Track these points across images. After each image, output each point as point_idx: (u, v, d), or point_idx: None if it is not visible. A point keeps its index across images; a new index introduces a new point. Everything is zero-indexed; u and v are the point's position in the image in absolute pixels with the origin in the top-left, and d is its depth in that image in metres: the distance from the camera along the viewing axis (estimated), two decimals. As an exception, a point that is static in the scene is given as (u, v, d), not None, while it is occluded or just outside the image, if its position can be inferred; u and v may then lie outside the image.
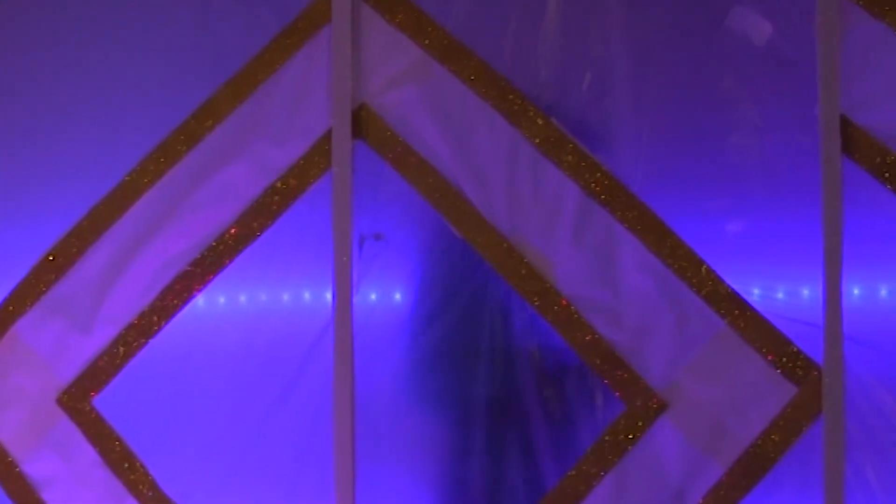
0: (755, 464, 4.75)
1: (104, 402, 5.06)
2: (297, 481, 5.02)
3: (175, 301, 4.99)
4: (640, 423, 4.79)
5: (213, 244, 4.95)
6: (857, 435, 4.76)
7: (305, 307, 5.04)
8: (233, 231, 4.95)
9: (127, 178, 5.02)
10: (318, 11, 4.93)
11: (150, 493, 5.00)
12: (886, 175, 4.74)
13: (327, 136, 4.92)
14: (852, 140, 4.73)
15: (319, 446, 4.94)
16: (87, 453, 5.03)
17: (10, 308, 5.08)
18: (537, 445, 5.03)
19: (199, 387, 5.09)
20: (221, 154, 4.98)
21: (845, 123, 4.72)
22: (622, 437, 4.80)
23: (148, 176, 5.00)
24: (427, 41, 4.90)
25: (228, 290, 5.07)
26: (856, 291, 4.87)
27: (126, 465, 5.01)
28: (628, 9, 4.95)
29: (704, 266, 4.77)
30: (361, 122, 4.92)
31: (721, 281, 4.77)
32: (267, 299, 5.09)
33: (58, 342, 5.07)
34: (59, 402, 5.02)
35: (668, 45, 4.93)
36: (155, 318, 5.00)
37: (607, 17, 4.94)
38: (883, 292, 4.89)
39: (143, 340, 5.02)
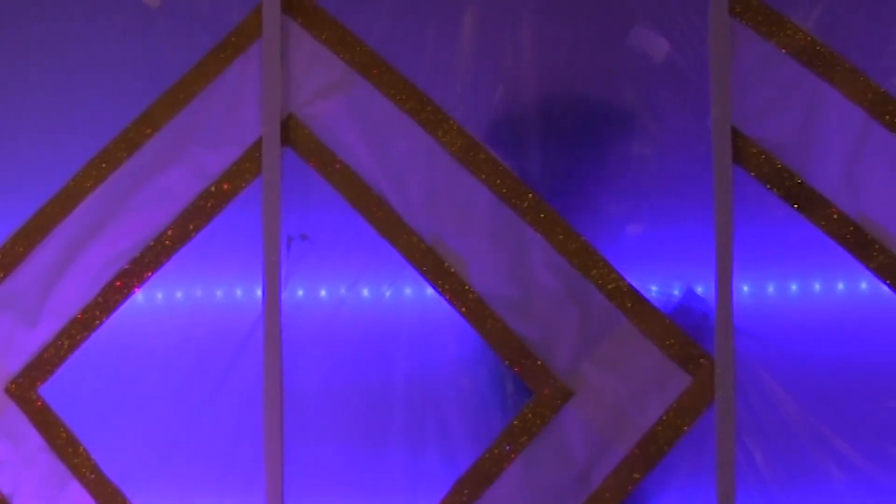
0: (653, 447, 4.79)
1: (50, 391, 5.01)
2: (230, 464, 4.96)
3: (116, 297, 4.97)
4: (547, 410, 4.82)
5: (152, 244, 4.94)
6: (746, 420, 4.80)
7: (237, 303, 5.01)
8: (170, 232, 4.95)
9: (71, 182, 4.99)
10: (249, 27, 4.94)
11: (92, 476, 4.97)
12: (773, 181, 4.81)
13: (258, 144, 4.93)
14: (742, 150, 4.80)
15: (251, 431, 4.92)
16: (34, 439, 4.99)
17: (-39, 304, 5.17)
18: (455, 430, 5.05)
19: (139, 377, 5.02)
20: (159, 160, 4.97)
21: (736, 134, 4.79)
22: (531, 422, 4.82)
23: (91, 180, 4.98)
24: (351, 56, 4.92)
25: (166, 286, 5.02)
26: (745, 288, 4.88)
27: (70, 450, 4.98)
28: (537, 26, 4.92)
29: (607, 265, 4.82)
30: (290, 131, 4.92)
31: (622, 279, 4.82)
32: (202, 295, 5.04)
33: (6, 335, 5.03)
34: (8, 391, 4.98)
35: (574, 60, 4.91)
36: (97, 313, 4.98)
37: (518, 34, 4.92)
38: (770, 289, 4.90)
39: (87, 333, 4.99)
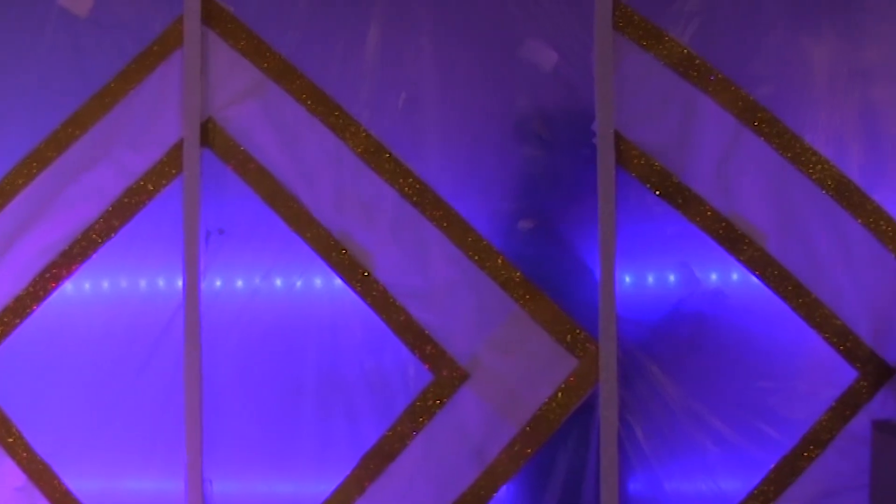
0: (543, 424, 4.85)
1: (-17, 376, 5.07)
2: (153, 442, 4.95)
3: (46, 287, 4.94)
4: (446, 391, 4.88)
5: (80, 238, 4.93)
6: (628, 399, 4.87)
7: (159, 292, 4.98)
8: (96, 226, 4.93)
9: (3, 180, 4.96)
10: (171, 37, 4.94)
11: (25, 455, 4.94)
12: (653, 181, 4.88)
13: (179, 145, 4.93)
14: (624, 152, 4.87)
15: (173, 410, 4.91)
16: (-30, 421, 5.05)
17: None
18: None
19: (68, 362, 4.98)
20: (87, 159, 4.95)
21: (619, 138, 4.86)
22: (431, 402, 4.88)
23: (22, 178, 4.95)
24: (265, 64, 4.92)
25: (93, 277, 4.98)
26: (627, 279, 4.93)
27: (4, 431, 4.94)
28: (437, 38, 4.93)
29: (500, 257, 4.87)
30: (208, 133, 4.93)
31: (514, 269, 4.87)
32: (126, 285, 5.00)
33: (-57, 323, 5.07)
34: (-55, 375, 5.00)
35: (471, 70, 4.93)
36: (28, 302, 4.95)
37: (419, 46, 4.93)
38: (650, 279, 4.94)
39: (18, 321, 4.96)
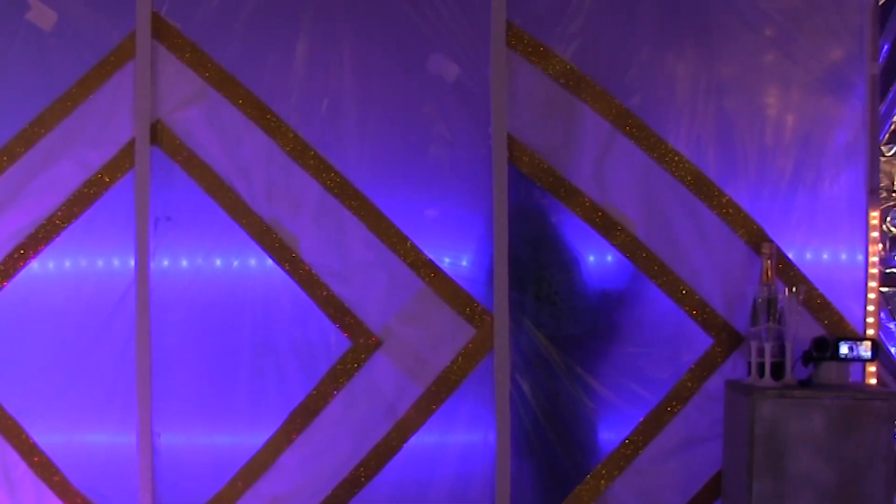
0: (445, 384, 4.95)
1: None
2: (109, 400, 4.95)
3: (15, 265, 4.95)
4: (362, 356, 4.94)
5: (45, 223, 4.93)
6: (518, 362, 4.97)
7: (114, 270, 4.95)
8: (59, 213, 4.93)
9: None
10: (125, 49, 4.93)
11: None
12: (540, 177, 4.97)
13: (132, 143, 4.93)
14: (516, 152, 4.96)
15: (126, 373, 4.94)
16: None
17: None
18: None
19: (35, 330, 4.97)
20: (51, 155, 4.95)
21: (511, 140, 4.95)
22: (349, 366, 4.95)
23: None
24: (207, 74, 4.94)
25: (56, 257, 4.95)
26: None
27: None
28: (356, 53, 4.96)
29: (409, 242, 4.94)
30: (157, 133, 4.93)
31: (421, 252, 4.94)
32: (85, 264, 4.96)
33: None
34: (-76, 343, 4.89)
35: (385, 80, 4.97)
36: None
37: (341, 60, 4.96)
38: (539, 258, 4.99)
39: None
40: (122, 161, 4.96)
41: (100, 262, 5.00)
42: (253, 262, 5.00)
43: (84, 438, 4.98)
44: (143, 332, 4.92)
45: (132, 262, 4.95)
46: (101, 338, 4.97)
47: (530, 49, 4.95)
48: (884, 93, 5.27)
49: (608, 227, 4.96)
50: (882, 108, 5.24)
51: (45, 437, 4.97)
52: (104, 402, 4.98)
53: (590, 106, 4.95)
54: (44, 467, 4.95)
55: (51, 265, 4.99)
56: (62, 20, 4.97)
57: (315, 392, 4.95)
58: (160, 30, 4.95)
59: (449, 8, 4.97)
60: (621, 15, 4.99)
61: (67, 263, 5.00)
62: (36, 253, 4.96)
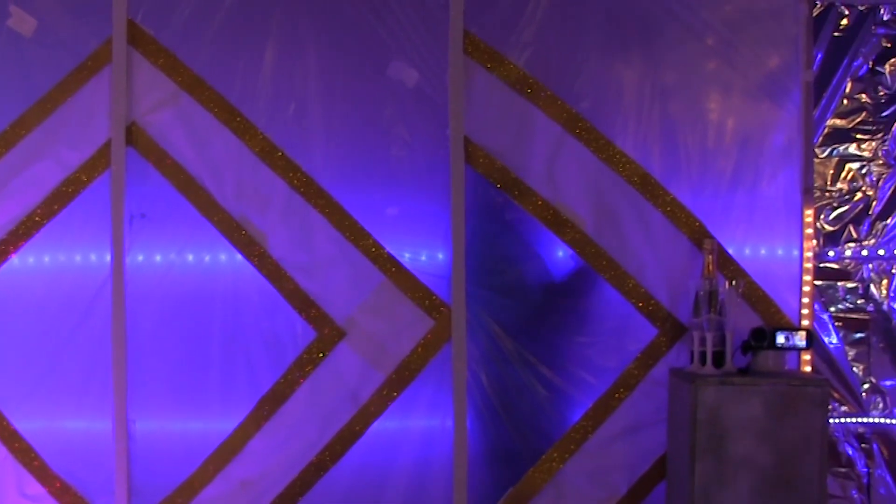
0: (406, 372, 4.97)
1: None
2: (86, 388, 4.95)
3: None
4: (327, 346, 4.95)
5: (25, 219, 4.92)
6: (474, 352, 5.01)
7: (91, 265, 4.94)
8: (39, 210, 4.92)
9: None
10: (102, 55, 4.92)
11: None
12: (495, 176, 5.00)
13: (108, 144, 4.92)
14: (472, 153, 4.99)
15: (102, 362, 4.93)
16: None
17: None
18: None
19: (16, 321, 4.95)
20: (31, 155, 4.93)
21: (468, 142, 4.98)
22: (315, 355, 4.96)
23: None
24: (180, 78, 4.93)
25: (36, 252, 4.94)
26: None
27: None
28: (320, 59, 4.96)
29: (371, 238, 4.96)
30: (132, 135, 4.92)
31: (382, 247, 4.96)
32: (64, 259, 4.95)
33: None
34: None
35: (348, 85, 4.97)
36: None
37: (306, 65, 4.96)
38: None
39: None
40: (99, 161, 4.95)
41: (77, 257, 4.98)
42: (223, 257, 4.99)
43: (62, 425, 4.96)
44: (119, 323, 4.91)
45: (108, 257, 4.94)
46: (78, 329, 4.95)
47: (486, 56, 4.98)
48: (817, 98, 5.30)
49: (559, 224, 4.99)
50: (816, 112, 5.28)
51: (26, 424, 4.95)
52: (82, 391, 4.96)
53: (542, 110, 4.98)
54: (24, 453, 4.94)
55: (31, 260, 4.97)
56: (42, 27, 4.95)
57: (282, 380, 4.96)
58: (135, 36, 4.94)
59: (409, 17, 4.99)
60: (572, 25, 5.02)
61: (47, 258, 4.98)
62: (17, 248, 4.95)
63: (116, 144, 4.94)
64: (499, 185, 5.01)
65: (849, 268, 5.46)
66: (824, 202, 5.44)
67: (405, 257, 5.01)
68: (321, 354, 4.97)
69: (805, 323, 5.07)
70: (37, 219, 4.96)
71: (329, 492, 5.00)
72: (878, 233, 5.47)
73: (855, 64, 5.40)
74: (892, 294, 5.46)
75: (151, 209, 4.99)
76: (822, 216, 5.41)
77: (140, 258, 4.99)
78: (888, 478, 5.45)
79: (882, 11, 5.40)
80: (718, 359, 4.76)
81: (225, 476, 4.97)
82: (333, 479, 4.99)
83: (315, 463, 4.99)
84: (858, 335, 5.45)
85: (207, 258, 5.02)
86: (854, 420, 5.45)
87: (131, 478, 4.97)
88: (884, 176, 5.44)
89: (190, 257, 5.01)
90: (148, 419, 4.99)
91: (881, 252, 5.44)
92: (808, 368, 5.05)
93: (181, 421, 5.01)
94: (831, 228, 5.46)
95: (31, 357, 4.96)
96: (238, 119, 4.97)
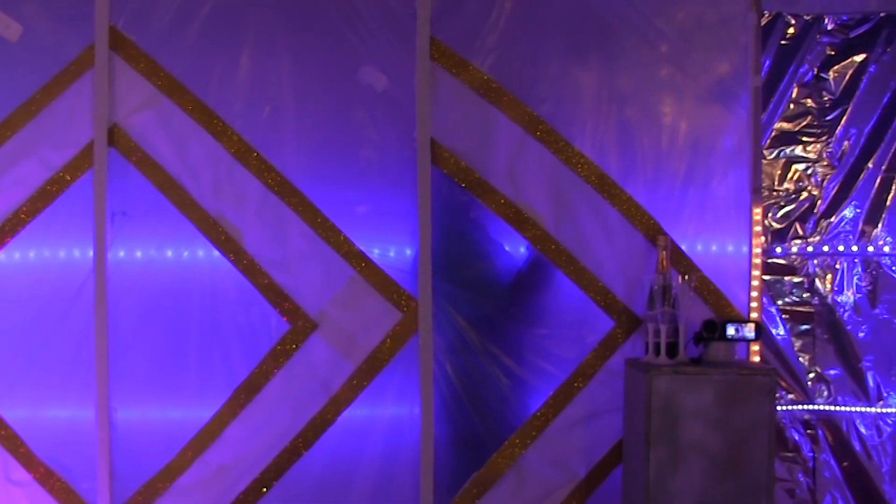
0: (376, 363, 4.99)
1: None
2: (70, 377, 4.97)
3: None
4: (300, 338, 4.97)
5: (11, 217, 4.94)
6: (440, 343, 5.03)
7: (75, 260, 4.96)
8: (24, 208, 4.94)
9: None
10: (84, 59, 4.94)
11: None
12: (459, 176, 5.02)
13: (90, 145, 4.94)
14: (438, 154, 5.01)
15: (85, 353, 4.95)
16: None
17: None
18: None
19: (2, 315, 4.97)
20: (17, 155, 4.94)
21: (434, 143, 5.00)
22: (288, 346, 4.97)
23: None
24: (159, 82, 4.94)
25: (22, 248, 4.97)
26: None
27: None
28: (294, 64, 4.99)
29: (342, 235, 4.98)
30: (114, 136, 4.93)
31: (353, 244, 4.98)
32: (48, 255, 4.97)
33: None
34: None
35: (321, 89, 4.99)
36: None
37: (280, 70, 4.99)
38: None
39: None
40: (82, 161, 4.96)
41: (61, 253, 4.99)
42: (201, 252, 5.00)
43: (47, 413, 4.97)
44: (101, 316, 4.92)
45: (91, 253, 4.95)
46: (62, 322, 4.96)
47: (451, 62, 5.00)
48: (765, 103, 5.30)
49: (521, 222, 5.01)
50: (764, 116, 5.28)
51: (11, 413, 4.96)
52: (65, 380, 4.97)
53: (504, 113, 5.00)
54: (10, 440, 4.95)
55: (17, 255, 4.98)
56: (27, 33, 4.96)
57: (257, 370, 4.97)
58: (117, 42, 4.94)
59: (378, 25, 5.00)
60: (533, 32, 5.03)
61: (32, 254, 4.99)
62: (2, 244, 4.96)
63: (98, 145, 4.95)
64: (463, 185, 5.03)
65: (795, 263, 5.47)
66: (772, 201, 5.44)
67: (374, 253, 5.03)
68: (294, 346, 4.99)
69: (754, 315, 5.08)
70: (22, 216, 4.96)
71: (302, 476, 5.01)
72: (823, 230, 5.48)
73: (801, 70, 5.41)
74: (835, 288, 5.47)
75: (132, 207, 5.00)
76: (769, 214, 5.41)
77: (121, 254, 5.00)
78: (832, 462, 5.48)
79: (826, 21, 5.41)
80: (672, 350, 4.79)
81: (203, 462, 4.98)
82: (306, 464, 5.01)
83: (289, 449, 5.00)
84: (804, 327, 5.46)
85: (186, 254, 5.02)
86: (800, 407, 5.47)
87: (113, 464, 4.98)
88: (828, 176, 5.45)
89: (169, 253, 5.02)
90: (129, 408, 5.00)
91: (825, 248, 5.46)
92: (756, 359, 5.08)
93: (161, 409, 5.02)
94: (778, 226, 5.46)
95: (17, 349, 4.97)
96: (215, 121, 4.98)
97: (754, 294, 5.12)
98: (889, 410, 5.50)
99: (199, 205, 4.98)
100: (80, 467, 4.98)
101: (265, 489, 5.02)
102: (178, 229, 5.00)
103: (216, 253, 5.01)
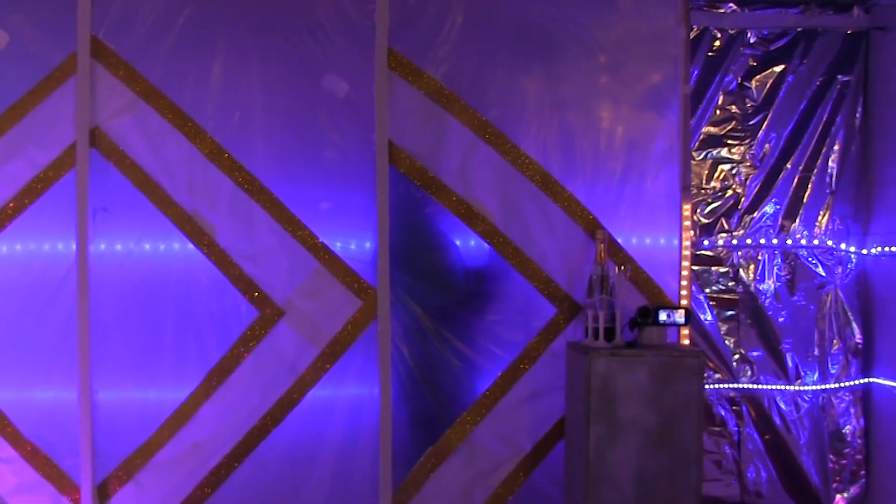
0: (338, 347, 5.01)
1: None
2: (54, 363, 4.97)
3: None
4: (268, 324, 4.99)
5: None
6: (397, 329, 5.05)
7: (58, 253, 4.97)
8: (11, 204, 4.95)
9: None
10: (68, 66, 4.94)
11: None
12: (415, 175, 5.05)
13: (73, 146, 4.93)
14: (395, 155, 5.03)
15: (69, 339, 4.95)
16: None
17: None
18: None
19: None
20: (5, 155, 4.94)
21: (391, 145, 5.03)
22: (257, 332, 5.00)
23: None
24: (137, 88, 4.96)
25: (8, 242, 4.97)
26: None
27: None
28: (262, 72, 5.01)
29: (307, 229, 5.01)
30: (95, 138, 4.93)
31: (316, 237, 5.00)
32: (33, 248, 4.98)
33: None
34: None
35: (287, 95, 5.00)
36: None
37: (249, 77, 5.01)
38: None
39: None
40: (66, 160, 4.95)
41: (46, 246, 4.99)
42: (176, 246, 5.02)
43: (33, 395, 4.95)
44: (84, 305, 4.91)
45: (74, 246, 4.94)
46: (47, 310, 4.96)
47: (407, 71, 5.04)
48: (694, 109, 5.42)
49: (471, 217, 5.05)
50: (693, 121, 5.38)
51: (0, 395, 4.92)
52: (50, 364, 4.97)
53: (456, 117, 5.03)
54: None
55: (4, 248, 4.98)
56: (14, 42, 4.94)
57: (229, 354, 4.99)
58: (98, 50, 4.94)
59: (340, 36, 5.01)
60: (482, 44, 5.06)
61: (18, 247, 4.99)
62: None
63: (81, 146, 4.93)
64: (419, 183, 5.04)
65: (721, 255, 5.60)
66: (700, 198, 5.57)
67: (337, 246, 5.04)
68: (263, 332, 4.99)
69: (684, 302, 5.11)
70: (9, 212, 4.95)
71: (271, 451, 5.01)
72: (746, 225, 5.61)
73: (726, 79, 5.57)
74: (757, 277, 5.60)
75: (112, 203, 4.99)
76: (698, 210, 5.52)
77: (102, 247, 4.99)
78: (755, 435, 5.61)
79: (749, 35, 5.56)
80: (609, 334, 4.82)
81: (179, 439, 4.98)
82: (275, 440, 5.02)
83: (258, 427, 5.01)
84: (729, 313, 5.60)
85: (162, 247, 5.02)
86: (726, 386, 5.60)
87: (95, 441, 4.96)
88: (751, 176, 5.59)
89: (147, 246, 5.02)
90: (110, 389, 4.99)
91: (749, 241, 5.57)
92: (686, 342, 5.11)
93: (139, 391, 5.01)
94: (706, 221, 5.60)
95: (4, 335, 4.95)
96: (189, 124, 4.98)
97: (684, 283, 5.16)
98: (806, 388, 5.61)
99: (174, 201, 4.98)
100: (63, 445, 4.96)
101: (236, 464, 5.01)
102: (155, 224, 4.99)
103: (191, 246, 5.01)
